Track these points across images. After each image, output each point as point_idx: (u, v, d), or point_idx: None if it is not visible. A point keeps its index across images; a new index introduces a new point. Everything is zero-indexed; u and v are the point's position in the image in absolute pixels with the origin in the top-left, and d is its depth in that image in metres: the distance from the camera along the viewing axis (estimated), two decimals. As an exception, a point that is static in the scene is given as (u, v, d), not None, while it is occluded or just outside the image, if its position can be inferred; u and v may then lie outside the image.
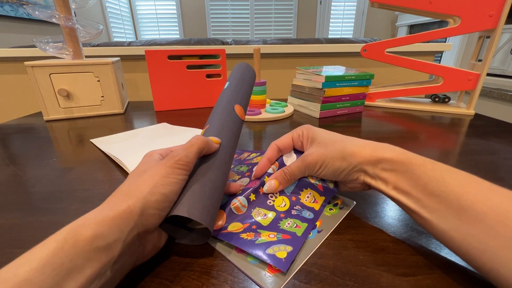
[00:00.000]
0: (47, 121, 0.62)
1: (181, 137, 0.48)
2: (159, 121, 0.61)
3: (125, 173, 0.36)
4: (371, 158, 0.24)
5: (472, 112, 0.66)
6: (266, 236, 0.23)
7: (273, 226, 0.25)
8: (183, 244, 0.23)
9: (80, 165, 0.39)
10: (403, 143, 0.47)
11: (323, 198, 0.28)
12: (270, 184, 0.27)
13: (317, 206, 0.27)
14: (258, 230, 0.24)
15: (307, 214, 0.26)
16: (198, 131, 0.51)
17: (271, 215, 0.26)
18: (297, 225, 0.25)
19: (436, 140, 0.49)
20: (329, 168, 0.25)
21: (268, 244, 0.22)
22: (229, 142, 0.28)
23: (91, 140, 0.48)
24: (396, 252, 0.22)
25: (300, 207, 0.27)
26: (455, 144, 0.47)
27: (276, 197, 0.28)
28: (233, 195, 0.28)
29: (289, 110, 0.66)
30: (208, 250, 0.23)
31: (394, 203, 0.29)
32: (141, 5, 2.92)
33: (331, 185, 0.29)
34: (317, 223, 0.26)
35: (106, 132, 0.54)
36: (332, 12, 2.99)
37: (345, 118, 0.63)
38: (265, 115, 0.62)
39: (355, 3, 2.98)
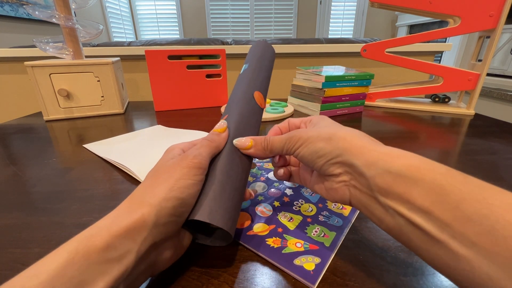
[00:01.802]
0: (47, 121, 0.62)
1: (180, 139, 0.48)
2: (159, 121, 0.61)
3: (125, 173, 0.36)
4: (366, 150, 0.18)
5: (472, 112, 0.66)
6: (293, 245, 0.22)
7: (300, 232, 0.24)
8: None
9: (80, 165, 0.39)
10: (403, 143, 0.47)
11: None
12: (243, 140, 0.24)
13: (346, 212, 0.27)
14: (284, 236, 0.23)
15: (336, 221, 0.25)
16: (196, 133, 0.50)
17: (297, 219, 0.26)
18: (325, 234, 0.24)
19: (436, 140, 0.49)
20: (309, 148, 0.21)
21: (295, 254, 0.21)
22: (251, 133, 0.26)
23: (84, 145, 0.46)
24: (396, 252, 0.22)
25: (328, 213, 0.27)
26: (455, 144, 0.47)
27: (302, 204, 0.28)
28: (255, 203, 0.28)
29: (289, 110, 0.66)
30: (209, 250, 0.23)
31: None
32: (141, 5, 2.92)
33: None
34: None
35: (106, 132, 0.54)
36: (332, 12, 2.99)
37: (345, 118, 0.63)
38: (265, 115, 0.62)
39: (355, 3, 2.98)
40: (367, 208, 0.18)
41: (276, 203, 0.28)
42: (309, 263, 0.21)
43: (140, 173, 0.34)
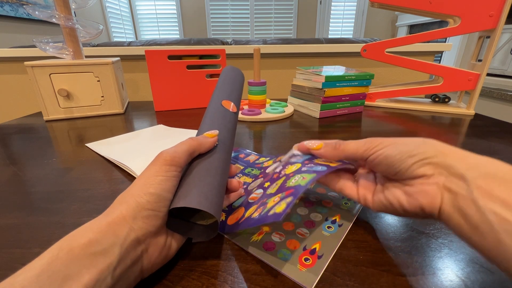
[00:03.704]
0: (47, 121, 0.62)
1: (181, 139, 0.48)
2: (159, 121, 0.61)
3: (125, 173, 0.36)
4: (463, 155, 0.18)
5: (472, 112, 0.66)
6: (271, 202, 0.21)
7: (280, 188, 0.23)
8: (183, 244, 0.23)
9: (80, 165, 0.39)
10: (403, 143, 0.47)
11: (339, 162, 0.25)
12: (315, 141, 0.26)
13: (333, 164, 0.25)
14: (266, 201, 0.23)
15: (319, 168, 0.23)
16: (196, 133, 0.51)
17: (281, 180, 0.25)
18: (303, 177, 0.22)
19: (436, 140, 0.49)
20: (398, 148, 0.20)
21: (271, 208, 0.20)
22: (222, 133, 0.28)
23: (87, 144, 0.47)
24: (396, 252, 0.22)
25: (312, 165, 0.25)
26: (455, 144, 0.47)
27: (288, 167, 0.26)
28: (248, 193, 0.28)
29: (289, 110, 0.66)
30: (209, 250, 0.23)
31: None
32: (141, 5, 2.92)
33: None
34: (336, 218, 0.26)
35: (106, 132, 0.54)
36: (332, 12, 2.99)
37: (345, 118, 0.63)
38: (265, 115, 0.62)
39: (355, 3, 2.98)
40: (461, 213, 0.16)
41: (266, 184, 0.27)
42: (280, 206, 0.19)
43: (135, 168, 0.34)
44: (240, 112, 0.62)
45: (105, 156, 0.41)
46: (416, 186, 0.19)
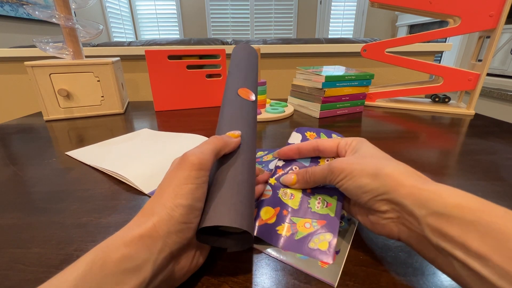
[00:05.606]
0: (47, 121, 0.62)
1: (170, 143, 0.47)
2: (159, 121, 0.61)
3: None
4: (415, 189, 0.18)
5: (472, 112, 0.66)
6: (302, 227, 0.23)
7: (304, 208, 0.24)
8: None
9: (80, 165, 0.39)
10: (403, 143, 0.47)
11: None
12: (288, 176, 0.26)
13: None
14: (292, 219, 0.24)
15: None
16: (188, 136, 0.49)
17: (297, 195, 0.26)
18: (327, 203, 0.24)
19: (436, 140, 0.49)
20: (354, 182, 0.20)
21: (307, 237, 0.22)
22: (243, 129, 0.26)
23: (66, 153, 0.43)
24: (396, 252, 0.22)
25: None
26: (455, 144, 0.47)
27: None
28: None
29: (289, 110, 0.66)
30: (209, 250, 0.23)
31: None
32: (141, 5, 2.92)
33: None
34: (344, 212, 0.26)
35: (106, 132, 0.54)
36: (332, 12, 2.99)
37: (345, 118, 0.63)
38: (265, 115, 0.62)
39: (355, 3, 2.98)
40: (418, 246, 0.18)
41: (272, 181, 0.27)
42: (322, 242, 0.22)
43: (129, 175, 0.33)
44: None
45: (91, 165, 0.39)
46: (375, 218, 0.20)
